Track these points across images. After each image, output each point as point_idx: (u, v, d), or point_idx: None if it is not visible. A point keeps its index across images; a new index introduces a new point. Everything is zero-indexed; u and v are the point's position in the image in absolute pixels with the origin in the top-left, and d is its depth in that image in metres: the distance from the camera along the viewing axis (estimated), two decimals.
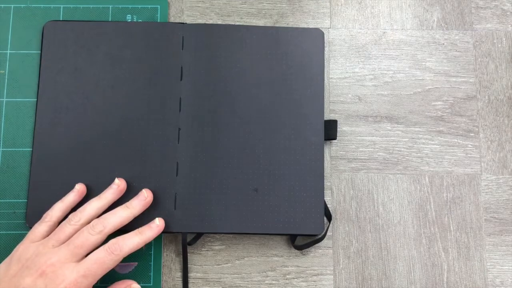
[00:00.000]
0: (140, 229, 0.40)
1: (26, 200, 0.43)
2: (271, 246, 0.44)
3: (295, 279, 0.44)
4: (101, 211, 0.40)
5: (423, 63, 0.47)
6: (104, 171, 0.43)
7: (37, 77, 0.45)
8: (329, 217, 0.44)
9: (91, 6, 0.47)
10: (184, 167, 0.43)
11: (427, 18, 0.48)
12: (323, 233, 0.43)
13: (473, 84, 0.47)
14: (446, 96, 0.47)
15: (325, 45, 0.46)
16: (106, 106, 0.44)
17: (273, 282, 0.44)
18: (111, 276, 0.42)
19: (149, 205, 0.41)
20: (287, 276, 0.44)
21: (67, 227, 0.38)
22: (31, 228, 0.42)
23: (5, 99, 0.45)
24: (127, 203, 0.40)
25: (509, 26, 0.48)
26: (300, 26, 0.48)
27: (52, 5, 0.47)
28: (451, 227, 0.45)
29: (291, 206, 0.43)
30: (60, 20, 0.46)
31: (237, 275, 0.44)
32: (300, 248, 0.43)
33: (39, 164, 0.43)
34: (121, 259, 0.37)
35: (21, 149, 0.44)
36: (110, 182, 0.42)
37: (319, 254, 0.44)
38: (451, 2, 0.49)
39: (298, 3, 0.48)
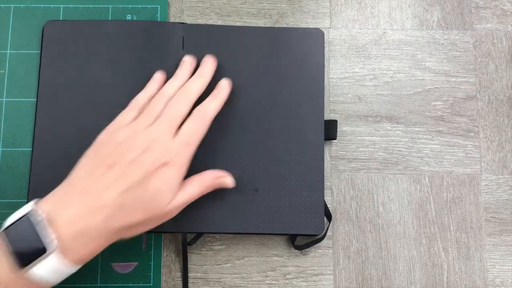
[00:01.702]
0: (213, 93, 0.41)
1: (26, 200, 0.43)
2: (271, 246, 0.44)
3: (295, 279, 0.44)
4: (180, 88, 0.41)
5: (423, 63, 0.47)
6: None
7: (37, 77, 0.45)
8: (329, 217, 0.44)
9: (91, 6, 0.47)
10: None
11: (427, 18, 0.48)
12: (323, 233, 0.43)
13: (473, 84, 0.47)
14: (446, 96, 0.47)
15: (325, 45, 0.46)
16: (106, 106, 0.44)
17: (273, 282, 0.44)
18: (111, 274, 0.42)
19: (215, 66, 0.43)
20: (287, 276, 0.44)
21: (156, 106, 0.39)
22: None
23: (5, 99, 0.45)
24: (198, 73, 0.42)
25: (509, 26, 0.48)
26: (300, 26, 0.48)
27: (52, 5, 0.47)
28: (451, 227, 0.45)
29: (291, 206, 0.43)
30: (60, 20, 0.46)
31: (237, 275, 0.44)
32: (300, 248, 0.43)
33: (39, 164, 0.43)
34: (210, 124, 0.39)
35: (21, 149, 0.44)
36: None
37: (319, 254, 0.44)
38: (451, 2, 0.49)
39: (298, 3, 0.48)
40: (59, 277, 0.33)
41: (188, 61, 0.43)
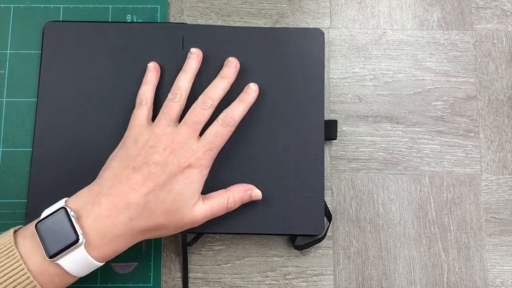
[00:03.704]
0: (240, 97, 0.42)
1: (26, 200, 0.43)
2: (271, 246, 0.44)
3: (295, 279, 0.44)
4: (192, 82, 0.42)
5: (423, 63, 0.47)
6: None
7: (37, 77, 0.45)
8: (329, 217, 0.44)
9: (91, 6, 0.47)
10: None
11: (427, 18, 0.48)
12: (323, 233, 0.43)
13: (473, 84, 0.47)
14: (446, 96, 0.47)
15: (325, 45, 0.46)
16: (106, 106, 0.44)
17: (273, 282, 0.44)
18: (111, 274, 0.42)
19: (239, 67, 0.43)
20: (287, 277, 0.44)
21: (174, 105, 0.40)
22: None
23: (5, 99, 0.45)
24: (222, 74, 0.42)
25: (509, 26, 0.48)
26: (300, 26, 0.48)
27: (52, 5, 0.47)
28: (451, 227, 0.45)
29: (291, 206, 0.43)
30: (60, 20, 0.46)
31: (237, 275, 0.44)
32: (300, 248, 0.43)
33: (39, 164, 0.43)
34: (234, 128, 0.40)
35: (21, 149, 0.44)
36: None
37: (319, 254, 0.44)
38: (451, 2, 0.49)
39: (298, 3, 0.48)
40: (86, 270, 0.35)
41: (195, 53, 0.43)
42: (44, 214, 0.35)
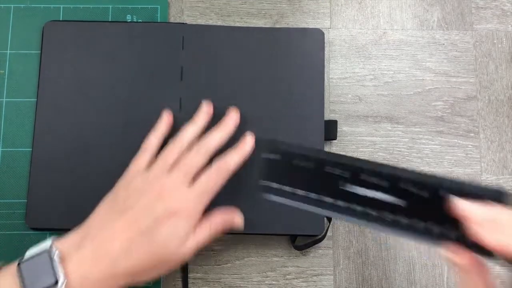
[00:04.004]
0: (236, 147, 0.40)
1: (25, 200, 0.43)
2: (271, 246, 0.44)
3: (295, 280, 0.44)
4: (197, 135, 0.41)
5: (423, 63, 0.47)
6: (104, 171, 0.43)
7: (37, 77, 0.45)
8: (329, 218, 0.44)
9: (91, 6, 0.47)
10: None
11: (427, 18, 0.48)
12: (323, 233, 0.43)
13: (473, 84, 0.47)
14: (446, 96, 0.47)
15: (325, 45, 0.46)
16: (106, 106, 0.44)
17: (273, 282, 0.44)
18: None
19: (239, 121, 0.42)
20: (287, 277, 0.44)
21: (172, 153, 0.39)
22: (31, 228, 0.42)
23: (5, 99, 0.45)
24: (221, 125, 0.41)
25: (509, 26, 0.48)
26: (300, 26, 0.48)
27: (52, 5, 0.47)
28: None
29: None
30: (60, 20, 0.46)
31: (237, 275, 0.44)
32: (300, 248, 0.43)
33: (39, 164, 0.43)
34: (228, 177, 0.38)
35: (21, 149, 0.44)
36: (110, 182, 0.42)
37: (319, 255, 0.44)
38: (451, 2, 0.49)
39: (298, 3, 0.48)
40: None
41: (206, 108, 0.42)
42: (29, 253, 0.35)
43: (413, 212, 0.29)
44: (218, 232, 0.38)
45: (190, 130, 0.40)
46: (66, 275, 0.33)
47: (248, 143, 0.41)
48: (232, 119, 0.42)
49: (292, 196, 0.34)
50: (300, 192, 0.33)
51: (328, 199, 0.32)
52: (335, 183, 0.32)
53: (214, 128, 0.41)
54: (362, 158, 0.31)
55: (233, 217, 0.39)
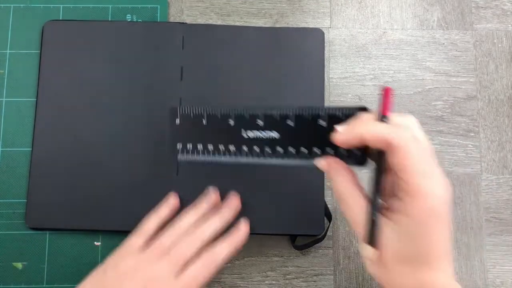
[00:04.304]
0: (229, 237, 0.39)
1: (25, 200, 0.43)
2: (271, 246, 0.44)
3: (295, 279, 0.44)
4: (195, 222, 0.39)
5: (423, 63, 0.47)
6: (104, 171, 0.43)
7: (37, 77, 0.45)
8: (329, 217, 0.44)
9: (91, 6, 0.47)
10: (184, 167, 0.43)
11: (427, 18, 0.48)
12: (323, 233, 0.43)
13: (473, 84, 0.47)
14: (446, 96, 0.47)
15: (325, 45, 0.46)
16: (106, 106, 0.44)
17: (273, 282, 0.43)
18: None
19: (239, 210, 0.41)
20: (287, 276, 0.44)
21: (166, 240, 0.38)
22: (31, 228, 0.42)
23: (4, 99, 0.45)
24: (220, 212, 0.40)
25: (510, 25, 0.48)
26: (300, 26, 0.48)
27: (51, 5, 0.47)
28: (452, 227, 0.45)
29: (291, 206, 0.43)
30: (60, 20, 0.46)
31: (237, 275, 0.44)
32: (300, 248, 0.43)
33: (39, 164, 0.43)
34: (217, 269, 0.37)
35: (21, 149, 0.44)
36: (110, 182, 0.42)
37: (319, 254, 0.44)
38: (451, 1, 0.49)
39: (298, 3, 0.48)
40: None
41: (212, 195, 0.41)
42: None
43: (299, 140, 0.35)
44: None
45: (190, 216, 0.39)
46: None
47: (241, 233, 0.40)
48: (231, 207, 0.41)
49: (205, 152, 0.37)
50: (210, 146, 0.37)
51: (232, 147, 0.37)
52: (237, 132, 0.36)
53: (212, 215, 0.40)
54: (253, 106, 0.36)
55: None
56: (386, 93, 0.32)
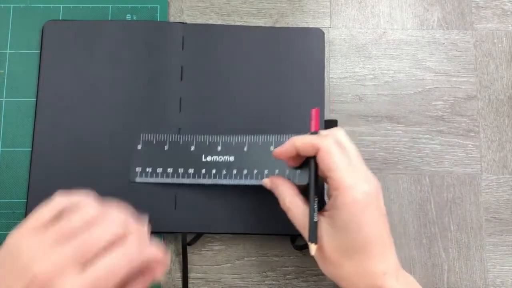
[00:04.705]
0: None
1: (25, 200, 0.43)
2: (271, 246, 0.44)
3: (295, 280, 0.44)
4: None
5: (424, 63, 0.47)
6: (104, 172, 0.43)
7: (37, 77, 0.45)
8: None
9: (91, 5, 0.47)
10: None
11: (428, 18, 0.48)
12: None
13: (473, 84, 0.47)
14: (446, 96, 0.47)
15: (325, 44, 0.46)
16: (106, 106, 0.44)
17: (273, 282, 0.43)
18: None
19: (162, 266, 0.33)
20: (287, 277, 0.44)
21: (75, 221, 0.30)
22: None
23: (4, 99, 0.45)
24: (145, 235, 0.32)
25: (510, 25, 0.48)
26: (300, 26, 0.48)
27: (52, 5, 0.47)
28: (452, 227, 0.45)
29: None
30: (60, 20, 0.46)
31: (237, 275, 0.44)
32: (300, 248, 0.43)
33: (39, 164, 0.43)
34: (135, 265, 0.30)
35: (21, 149, 0.44)
36: (110, 182, 0.42)
37: None
38: (451, 1, 0.49)
39: (298, 3, 0.48)
40: None
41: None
42: None
43: (252, 163, 0.41)
44: None
45: (112, 211, 0.31)
46: None
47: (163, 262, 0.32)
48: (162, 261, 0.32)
49: (163, 175, 0.42)
50: (170, 170, 0.42)
51: (191, 170, 0.41)
52: (197, 157, 0.41)
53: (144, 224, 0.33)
54: (212, 135, 0.42)
55: None
56: (315, 113, 0.38)
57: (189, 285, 0.43)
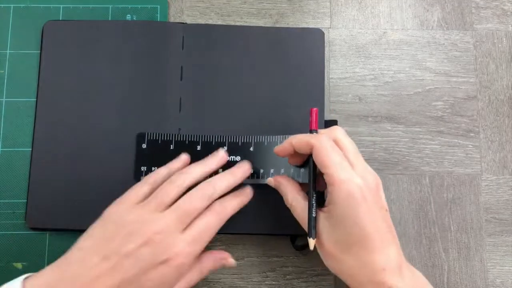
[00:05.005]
0: (236, 192, 0.39)
1: (25, 200, 0.43)
2: (271, 246, 0.44)
3: (295, 280, 0.44)
4: (204, 177, 0.38)
5: (424, 63, 0.47)
6: (104, 171, 0.43)
7: (37, 77, 0.45)
8: None
9: (91, 6, 0.47)
10: None
11: (428, 18, 0.48)
12: None
13: (473, 84, 0.47)
14: (446, 96, 0.47)
15: (325, 45, 0.46)
16: (106, 106, 0.44)
17: (273, 282, 0.43)
18: None
19: (248, 173, 0.40)
20: (287, 277, 0.44)
21: (171, 189, 0.36)
22: (31, 228, 0.42)
23: (4, 99, 0.45)
24: (230, 171, 0.39)
25: (510, 26, 0.48)
26: (300, 26, 0.48)
27: (52, 5, 0.47)
28: (452, 228, 0.45)
29: None
30: (60, 20, 0.46)
31: (237, 275, 0.44)
32: (300, 248, 0.43)
33: (39, 164, 0.43)
34: (224, 222, 0.37)
35: (21, 149, 0.44)
36: (109, 181, 0.42)
37: (320, 255, 0.44)
38: (451, 2, 0.49)
39: (298, 3, 0.48)
40: None
41: (221, 154, 0.40)
42: None
43: (258, 163, 0.41)
44: (208, 272, 0.37)
45: (198, 169, 0.38)
46: None
47: (247, 191, 0.40)
48: (242, 169, 0.40)
49: None
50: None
51: None
52: (203, 156, 0.40)
53: (223, 173, 0.39)
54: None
55: (225, 258, 0.38)
56: (314, 113, 0.39)
57: None
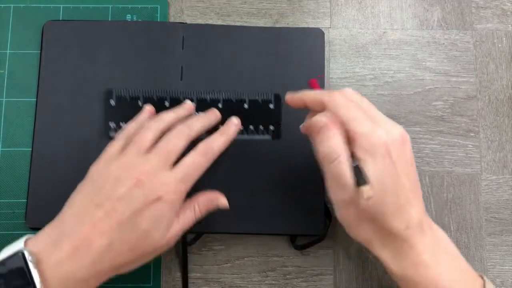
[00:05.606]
0: (221, 129, 0.40)
1: (25, 200, 0.43)
2: (271, 246, 0.44)
3: (295, 279, 0.44)
4: (175, 122, 0.39)
5: (423, 63, 0.47)
6: None
7: (37, 77, 0.45)
8: (329, 217, 0.44)
9: (91, 6, 0.47)
10: None
11: (427, 18, 0.48)
12: (323, 233, 0.43)
13: (473, 84, 0.47)
14: (446, 96, 0.47)
15: (325, 45, 0.46)
16: (106, 106, 0.44)
17: (273, 282, 0.43)
18: None
19: (219, 117, 0.41)
20: (287, 276, 0.44)
21: (147, 133, 0.36)
22: (31, 228, 0.42)
23: (4, 99, 0.45)
24: (205, 115, 0.41)
25: (510, 26, 0.48)
26: (300, 26, 0.48)
27: (52, 5, 0.47)
28: (452, 227, 0.45)
29: (291, 206, 0.43)
30: (60, 20, 0.46)
31: (237, 275, 0.44)
32: (300, 248, 0.43)
33: (39, 164, 0.43)
34: (212, 160, 0.37)
35: (21, 149, 0.44)
36: None
37: (320, 254, 0.44)
38: (451, 2, 0.49)
39: (298, 3, 0.48)
40: None
41: (188, 104, 0.42)
42: (2, 255, 0.32)
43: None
44: (202, 214, 0.38)
45: (169, 115, 0.39)
46: (43, 280, 0.31)
47: (232, 125, 0.40)
48: (214, 114, 0.41)
49: None
50: None
51: None
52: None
53: (198, 116, 0.40)
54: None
55: (218, 198, 0.38)
56: (313, 83, 0.41)
57: (189, 285, 0.43)
